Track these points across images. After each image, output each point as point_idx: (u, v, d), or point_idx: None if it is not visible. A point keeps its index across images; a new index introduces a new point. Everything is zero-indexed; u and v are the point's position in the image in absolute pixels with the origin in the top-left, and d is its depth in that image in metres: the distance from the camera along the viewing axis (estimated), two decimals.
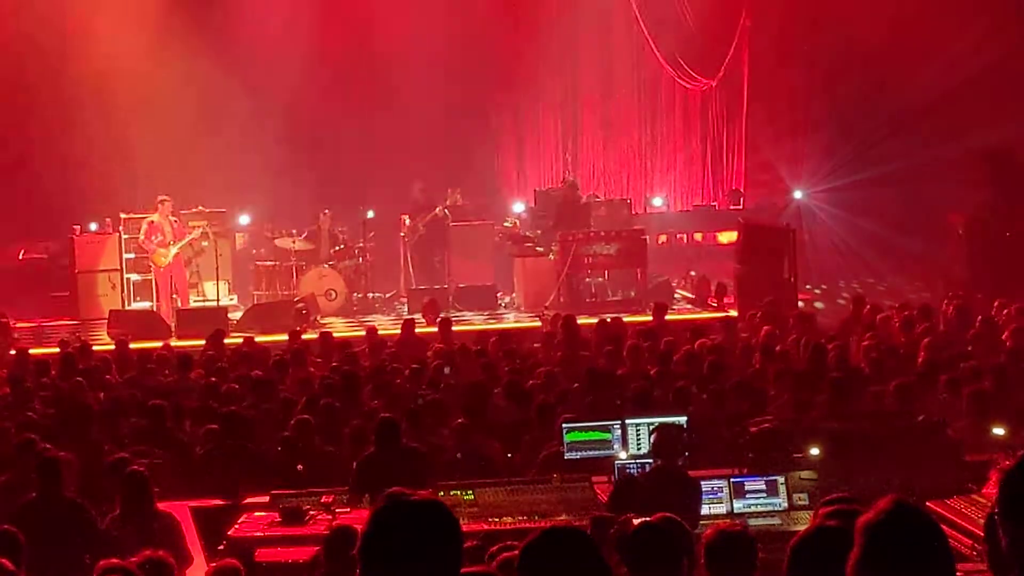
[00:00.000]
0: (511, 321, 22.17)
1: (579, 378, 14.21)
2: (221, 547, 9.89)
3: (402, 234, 24.76)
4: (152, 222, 22.65)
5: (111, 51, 25.99)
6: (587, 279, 23.30)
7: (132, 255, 23.62)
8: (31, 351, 18.62)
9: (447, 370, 15.29)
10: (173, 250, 22.57)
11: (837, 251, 25.94)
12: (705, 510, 9.89)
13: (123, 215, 24.27)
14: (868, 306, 18.92)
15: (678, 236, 27.59)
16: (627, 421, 11.31)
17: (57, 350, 18.35)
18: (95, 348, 18.84)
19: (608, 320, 18.99)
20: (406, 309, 23.09)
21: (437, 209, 24.52)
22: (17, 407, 13.67)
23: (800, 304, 21.47)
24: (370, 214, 25.28)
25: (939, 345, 15.22)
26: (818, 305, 23.49)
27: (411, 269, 24.42)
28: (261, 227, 25.51)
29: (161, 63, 26.27)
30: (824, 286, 25.15)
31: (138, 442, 12.05)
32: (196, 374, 15.54)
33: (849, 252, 25.73)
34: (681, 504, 9.70)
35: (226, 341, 18.32)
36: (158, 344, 18.88)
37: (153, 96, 26.32)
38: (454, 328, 19.11)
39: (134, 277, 23.67)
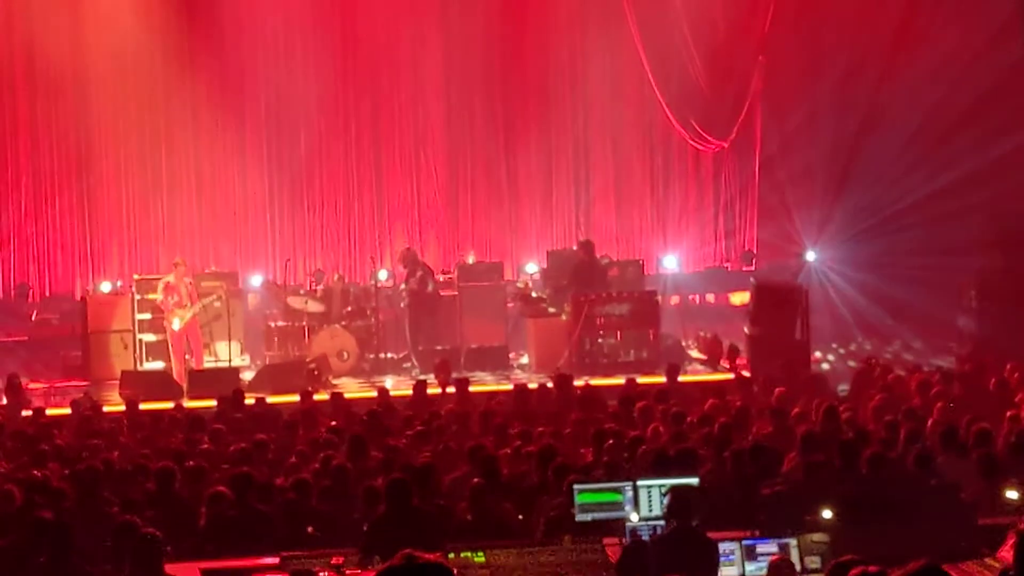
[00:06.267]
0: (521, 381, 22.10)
1: (590, 440, 14.17)
2: None
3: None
4: (168, 283, 22.73)
5: (124, 111, 26.24)
6: (599, 340, 23.27)
7: (147, 315, 23.63)
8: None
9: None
10: (189, 312, 22.61)
11: (849, 313, 25.88)
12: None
13: (136, 276, 24.38)
14: (879, 367, 18.89)
15: (690, 297, 27.58)
16: (639, 483, 11.25)
17: (69, 411, 18.39)
18: (107, 409, 18.84)
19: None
20: (417, 370, 23.08)
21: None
22: (30, 467, 13.64)
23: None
24: (382, 274, 25.35)
25: (952, 408, 15.17)
26: (824, 367, 23.42)
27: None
28: (273, 287, 25.55)
29: (172, 123, 26.50)
30: (836, 347, 25.09)
31: (147, 504, 12.03)
32: (208, 435, 15.52)
33: (861, 314, 25.68)
34: (698, 566, 9.68)
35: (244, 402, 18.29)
36: (170, 405, 18.88)
37: (164, 158, 26.53)
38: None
39: (147, 337, 23.67)
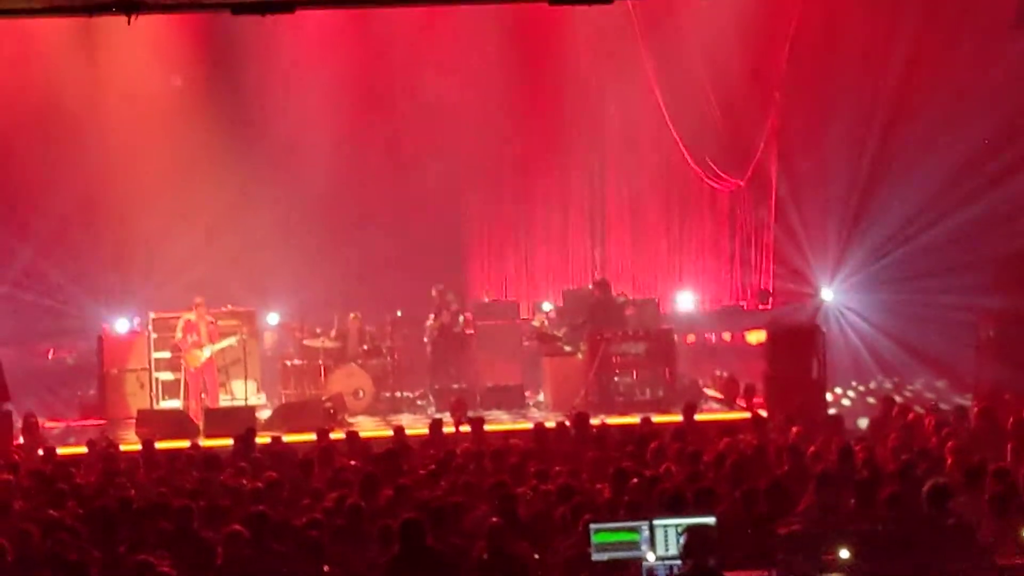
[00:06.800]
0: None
1: (607, 478, 14.14)
2: None
3: (425, 338, 24.77)
4: (188, 320, 22.86)
5: (138, 149, 26.33)
6: (616, 378, 23.26)
7: (164, 354, 23.68)
8: (59, 450, 18.72)
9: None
10: (207, 351, 22.70)
11: (866, 352, 25.84)
12: None
13: (152, 315, 24.42)
14: (897, 407, 18.85)
15: (707, 336, 27.56)
16: (655, 522, 11.22)
17: (85, 450, 18.41)
18: (123, 448, 18.85)
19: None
20: (433, 408, 23.09)
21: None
22: (44, 507, 13.65)
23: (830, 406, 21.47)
24: (398, 313, 25.37)
25: (966, 448, 15.11)
26: (845, 403, 23.40)
27: (430, 369, 24.41)
28: (289, 326, 25.60)
29: (188, 161, 26.60)
30: (856, 385, 25.04)
31: (164, 543, 12.02)
32: (224, 474, 15.52)
33: (878, 353, 25.63)
34: None
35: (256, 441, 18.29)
36: (186, 444, 18.88)
37: (180, 196, 26.59)
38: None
39: (164, 376, 23.71)
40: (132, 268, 26.93)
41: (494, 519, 11.97)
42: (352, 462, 16.39)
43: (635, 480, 13.60)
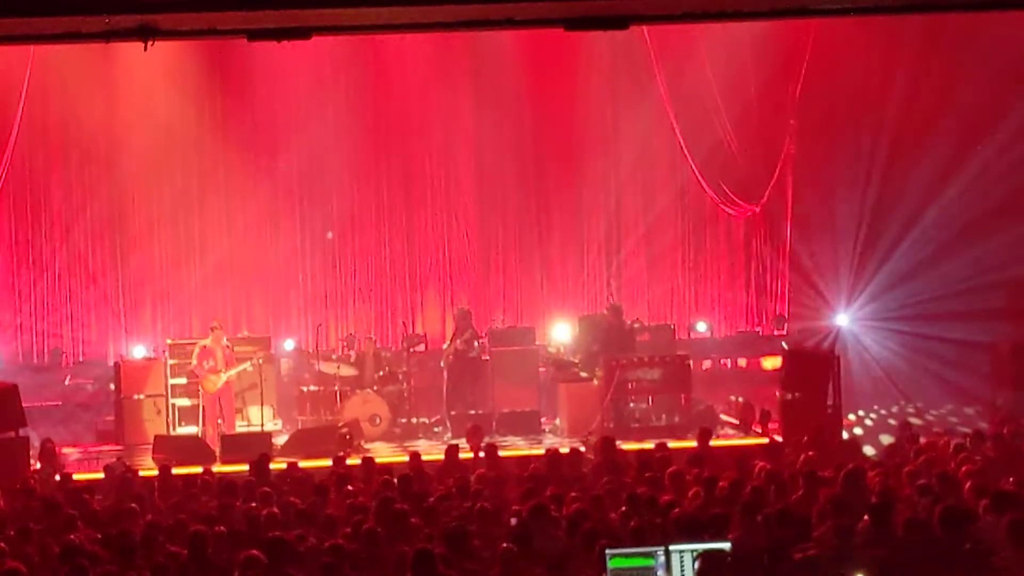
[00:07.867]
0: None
1: (623, 504, 14.14)
2: None
3: (441, 363, 24.76)
4: (205, 346, 22.91)
5: (155, 177, 26.46)
6: (631, 404, 23.26)
7: (181, 380, 23.73)
8: (76, 476, 18.77)
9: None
10: (223, 377, 22.74)
11: (882, 377, 25.81)
12: None
13: (169, 341, 24.52)
14: (911, 431, 18.84)
15: (722, 362, 27.56)
16: (671, 548, 11.24)
17: (102, 475, 18.45)
18: (140, 473, 18.88)
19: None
20: (449, 434, 23.09)
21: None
22: (60, 532, 13.68)
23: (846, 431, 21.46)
24: (414, 341, 25.38)
25: (984, 472, 15.09)
26: (868, 423, 23.39)
27: (446, 395, 24.42)
28: (305, 352, 25.63)
29: (204, 188, 26.72)
30: (870, 411, 25.01)
31: (179, 569, 12.04)
32: (240, 500, 15.54)
33: (894, 379, 25.60)
34: None
35: (270, 466, 18.30)
36: (202, 469, 18.89)
37: (197, 223, 26.71)
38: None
39: (180, 402, 23.76)
40: (149, 295, 27.00)
41: (504, 545, 11.97)
42: (368, 488, 16.41)
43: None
